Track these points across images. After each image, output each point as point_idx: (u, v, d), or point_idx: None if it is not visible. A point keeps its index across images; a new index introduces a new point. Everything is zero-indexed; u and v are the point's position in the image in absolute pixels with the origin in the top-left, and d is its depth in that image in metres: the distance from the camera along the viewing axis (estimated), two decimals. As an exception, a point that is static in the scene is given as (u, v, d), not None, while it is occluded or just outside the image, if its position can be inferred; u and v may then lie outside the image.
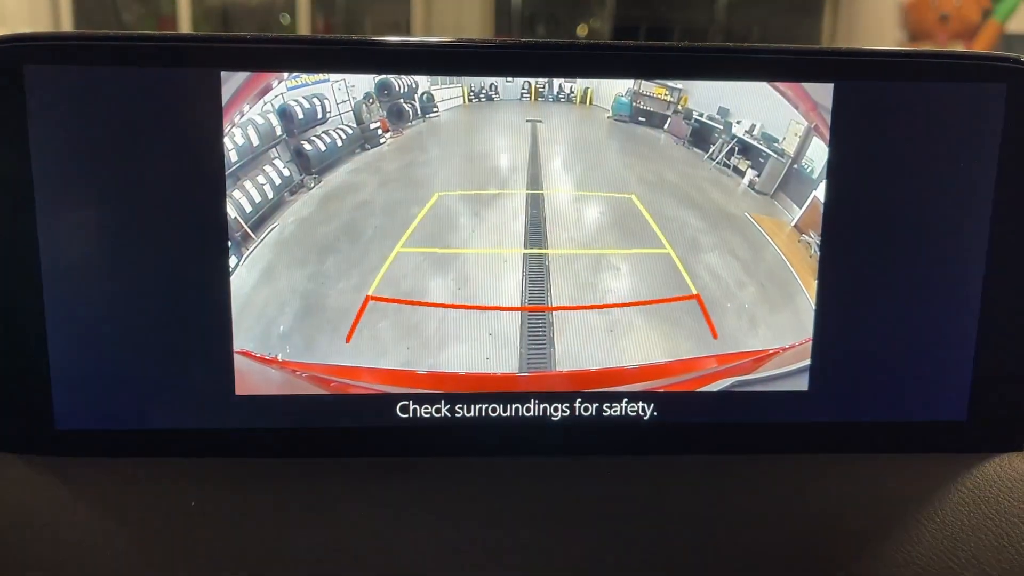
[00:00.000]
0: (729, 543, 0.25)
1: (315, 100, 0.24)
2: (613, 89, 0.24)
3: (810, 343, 0.26)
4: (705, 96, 0.24)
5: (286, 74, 0.24)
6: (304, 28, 4.76)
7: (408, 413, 0.26)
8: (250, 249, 0.24)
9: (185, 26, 4.70)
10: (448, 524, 0.25)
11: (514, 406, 0.26)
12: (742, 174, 0.25)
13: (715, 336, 0.26)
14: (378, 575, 0.24)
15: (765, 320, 0.26)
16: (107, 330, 0.24)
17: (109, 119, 0.23)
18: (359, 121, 0.24)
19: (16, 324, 0.24)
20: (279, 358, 0.25)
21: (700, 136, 0.25)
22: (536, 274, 0.25)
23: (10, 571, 0.24)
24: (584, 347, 0.25)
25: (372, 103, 0.24)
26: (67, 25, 4.69)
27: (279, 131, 0.24)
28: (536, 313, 0.25)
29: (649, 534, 0.26)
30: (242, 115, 0.24)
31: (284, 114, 0.24)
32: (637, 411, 0.26)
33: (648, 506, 0.26)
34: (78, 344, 0.24)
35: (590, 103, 0.24)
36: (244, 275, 0.24)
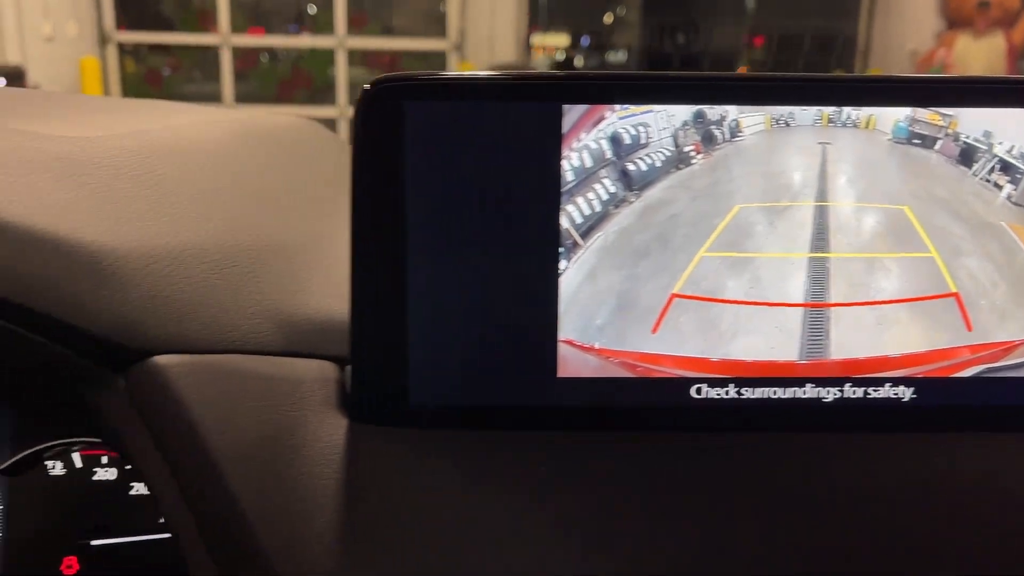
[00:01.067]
0: (983, 515, 0.29)
1: (640, 128, 0.28)
2: (893, 116, 0.28)
3: None
4: (972, 121, 0.28)
5: (618, 106, 0.28)
6: (341, 18, 4.80)
7: (701, 394, 0.30)
8: (578, 254, 0.29)
9: (224, 17, 4.76)
10: (738, 493, 0.29)
11: (792, 389, 0.30)
12: (1000, 188, 0.29)
13: (969, 329, 0.29)
14: (678, 535, 0.29)
15: (1013, 315, 0.29)
16: (456, 323, 0.29)
17: (468, 145, 0.28)
18: (676, 145, 0.28)
19: (384, 319, 0.29)
20: (595, 346, 0.29)
21: (966, 156, 0.28)
22: (818, 275, 0.29)
23: (371, 527, 0.28)
24: (855, 338, 0.30)
25: (688, 129, 0.28)
26: (109, 17, 4.76)
27: (608, 155, 0.28)
28: (816, 309, 0.29)
29: (912, 504, 0.30)
30: (579, 141, 0.28)
31: (614, 140, 0.28)
32: (898, 394, 0.30)
33: (907, 479, 0.30)
34: (433, 334, 0.29)
35: (872, 128, 0.28)
36: (571, 276, 0.29)
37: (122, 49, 4.91)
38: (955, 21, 4.74)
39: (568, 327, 0.29)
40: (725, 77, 0.28)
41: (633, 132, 0.28)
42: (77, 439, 0.36)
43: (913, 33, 4.85)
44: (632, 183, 0.29)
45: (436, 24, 4.99)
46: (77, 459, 0.36)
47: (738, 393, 0.30)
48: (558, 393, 0.30)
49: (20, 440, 0.37)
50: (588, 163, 0.28)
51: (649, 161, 0.28)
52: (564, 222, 0.28)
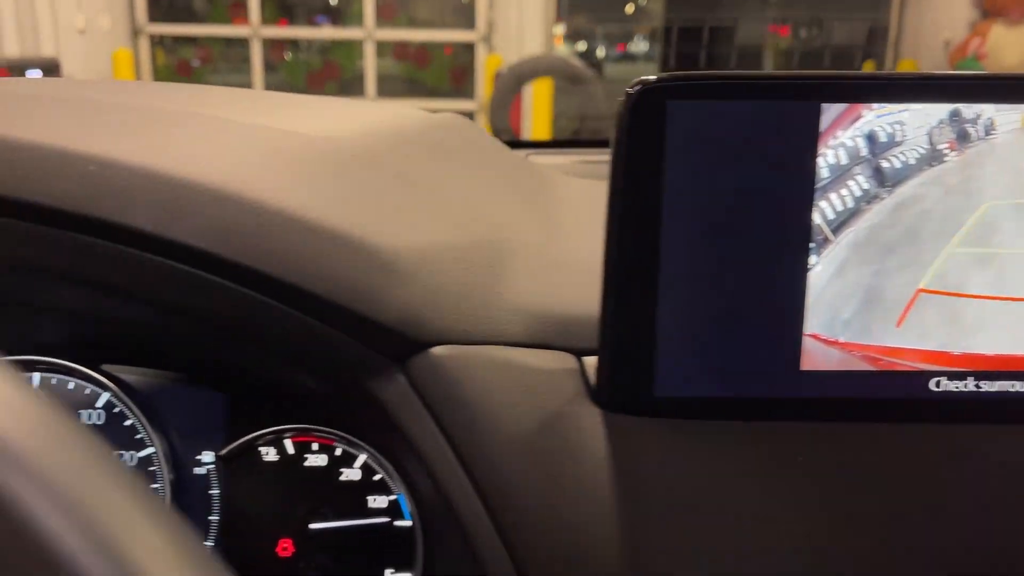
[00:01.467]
0: None
1: (896, 126, 0.29)
2: None
3: None
4: None
5: (876, 104, 0.28)
6: (369, 10, 4.81)
7: (940, 387, 0.30)
8: (828, 250, 0.29)
9: (255, 9, 4.78)
10: (978, 485, 0.30)
11: (1030, 382, 0.30)
12: None
13: None
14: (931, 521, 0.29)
15: None
16: (705, 315, 0.30)
17: (726, 142, 0.28)
18: (930, 142, 0.29)
19: (634, 311, 0.29)
20: (840, 340, 0.30)
21: None
22: (1063, 270, 0.30)
23: (645, 516, 0.29)
24: (1095, 333, 0.30)
25: (943, 127, 0.29)
26: (141, 9, 4.80)
27: (863, 152, 0.29)
28: (1059, 303, 0.30)
29: None
30: (835, 139, 0.28)
31: (870, 138, 0.29)
32: None
33: None
34: (681, 326, 0.30)
35: (1126, 125, 0.29)
36: (820, 271, 0.29)
37: (152, 41, 4.95)
38: (989, 10, 4.68)
39: (814, 321, 0.30)
40: (985, 77, 0.28)
41: (889, 130, 0.29)
42: (289, 426, 0.37)
43: (946, 22, 4.79)
44: (885, 180, 0.29)
45: (464, 15, 4.99)
46: (289, 446, 0.37)
47: (976, 386, 0.30)
48: (800, 385, 0.30)
49: (232, 428, 0.38)
50: (843, 160, 0.29)
51: (903, 158, 0.29)
52: (816, 218, 0.29)
